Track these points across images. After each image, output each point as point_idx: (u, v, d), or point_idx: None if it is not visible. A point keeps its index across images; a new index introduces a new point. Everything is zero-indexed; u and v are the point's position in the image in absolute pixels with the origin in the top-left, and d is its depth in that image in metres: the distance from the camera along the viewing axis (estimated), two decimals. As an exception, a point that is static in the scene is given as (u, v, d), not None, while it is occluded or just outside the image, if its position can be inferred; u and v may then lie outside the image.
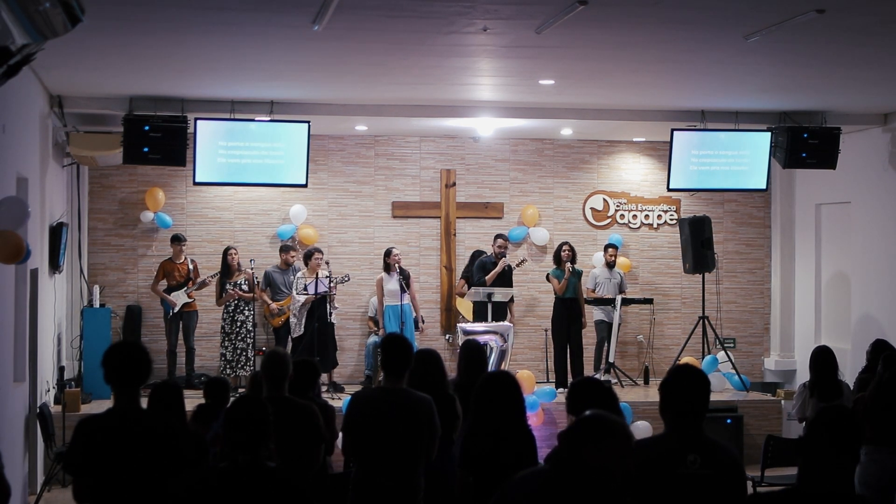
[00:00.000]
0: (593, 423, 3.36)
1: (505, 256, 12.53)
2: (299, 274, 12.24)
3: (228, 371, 12.09)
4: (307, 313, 11.99)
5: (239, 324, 12.17)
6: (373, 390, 6.07)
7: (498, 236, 12.73)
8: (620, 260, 13.52)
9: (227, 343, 12.18)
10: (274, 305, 12.36)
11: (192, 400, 7.63)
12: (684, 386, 4.08)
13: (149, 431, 4.63)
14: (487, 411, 5.41)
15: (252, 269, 12.36)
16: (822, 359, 8.11)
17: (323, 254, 12.36)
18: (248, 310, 12.26)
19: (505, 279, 12.47)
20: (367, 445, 5.63)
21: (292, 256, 12.52)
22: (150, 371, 4.83)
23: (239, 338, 12.16)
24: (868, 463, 6.80)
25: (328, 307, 12.05)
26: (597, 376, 12.22)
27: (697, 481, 3.93)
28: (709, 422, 12.35)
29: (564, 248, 12.56)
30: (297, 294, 12.11)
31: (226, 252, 12.33)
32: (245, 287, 12.25)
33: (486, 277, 12.34)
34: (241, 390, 11.89)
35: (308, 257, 12.24)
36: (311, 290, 11.94)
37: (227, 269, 12.24)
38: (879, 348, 8.40)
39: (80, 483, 4.66)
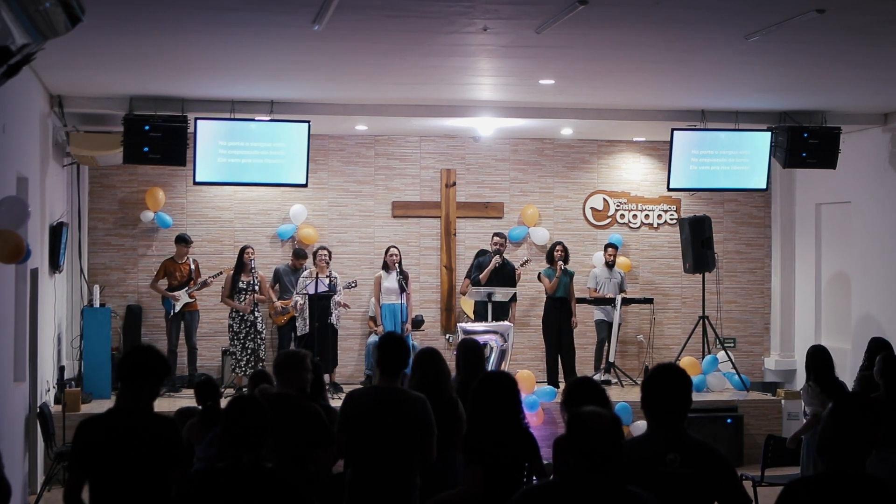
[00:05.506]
0: (582, 415, 3.56)
1: (501, 254, 12.49)
2: (305, 273, 12.29)
3: (238, 370, 12.08)
4: (319, 314, 12.06)
5: (249, 324, 12.18)
6: (367, 389, 6.05)
7: (494, 234, 12.73)
8: (621, 260, 13.52)
9: (235, 342, 12.17)
10: (279, 304, 12.39)
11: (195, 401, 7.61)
12: (666, 385, 4.09)
13: (148, 432, 4.64)
14: (484, 411, 5.40)
15: (253, 269, 12.39)
16: (819, 357, 8.14)
17: (328, 252, 12.39)
18: (258, 310, 12.29)
19: (506, 278, 12.45)
20: (361, 444, 5.62)
21: (301, 263, 12.57)
22: (163, 378, 4.82)
23: (249, 337, 12.16)
24: (877, 463, 6.80)
25: (331, 308, 12.11)
26: (597, 376, 12.29)
27: (677, 480, 3.94)
28: (709, 422, 12.40)
29: (557, 248, 12.55)
30: (297, 294, 12.18)
31: (243, 250, 12.34)
32: (257, 288, 12.28)
33: (480, 276, 12.34)
34: (244, 390, 11.94)
35: (314, 256, 12.37)
36: (311, 290, 11.99)
37: (242, 267, 12.25)
38: (878, 346, 8.42)
39: (72, 482, 4.67)
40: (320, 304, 12.00)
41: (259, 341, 12.18)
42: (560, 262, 12.42)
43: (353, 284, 12.41)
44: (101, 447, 4.60)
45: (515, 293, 12.50)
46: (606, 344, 12.99)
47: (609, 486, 3.50)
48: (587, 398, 4.79)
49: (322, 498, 5.64)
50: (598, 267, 13.36)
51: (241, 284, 12.18)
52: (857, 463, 3.56)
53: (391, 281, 12.33)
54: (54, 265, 10.69)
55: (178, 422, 6.86)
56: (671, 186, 11.99)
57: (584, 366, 12.95)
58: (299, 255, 12.67)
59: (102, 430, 4.65)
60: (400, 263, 12.44)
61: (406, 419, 5.60)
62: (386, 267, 12.44)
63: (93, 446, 4.61)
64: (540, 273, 12.71)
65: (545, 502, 3.55)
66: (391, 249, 12.50)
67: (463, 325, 11.72)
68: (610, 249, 13.22)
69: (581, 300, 12.91)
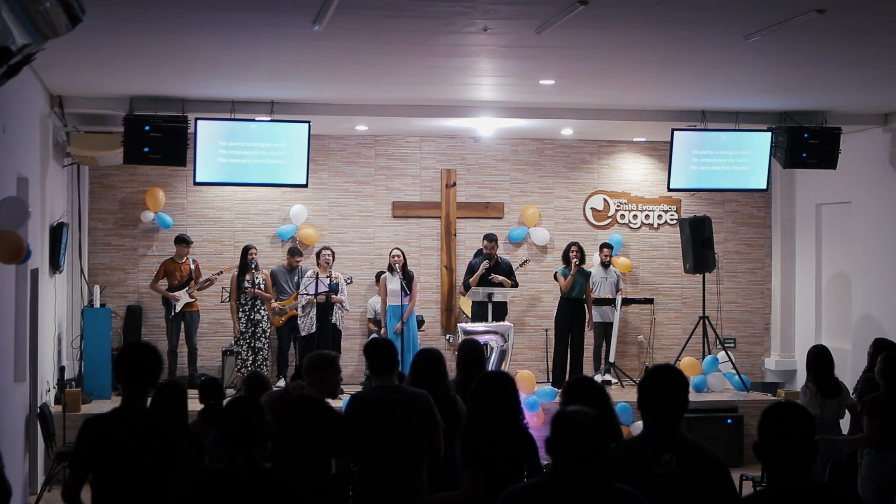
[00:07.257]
0: (566, 414, 3.59)
1: (492, 257, 12.42)
2: (309, 272, 12.31)
3: (244, 371, 12.09)
4: (318, 313, 12.06)
5: (255, 324, 12.19)
6: (371, 389, 6.07)
7: (484, 237, 12.62)
8: (621, 260, 13.53)
9: (241, 342, 12.19)
10: (276, 304, 12.40)
11: (196, 400, 7.61)
12: (662, 386, 4.06)
13: (151, 431, 4.64)
14: (483, 411, 5.40)
15: (255, 268, 12.40)
16: (820, 358, 8.13)
17: (331, 252, 12.42)
18: (264, 310, 12.31)
19: (503, 275, 12.40)
20: (369, 443, 5.63)
21: (297, 261, 12.58)
22: (160, 373, 4.88)
23: (255, 337, 12.18)
24: (875, 462, 6.81)
25: (333, 308, 12.20)
26: (597, 377, 12.29)
27: (673, 482, 3.91)
28: (709, 422, 12.38)
29: (573, 248, 12.54)
30: (301, 295, 12.27)
31: (246, 250, 12.36)
32: (262, 287, 12.29)
33: (470, 280, 12.31)
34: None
35: (317, 256, 12.45)
36: (311, 290, 12.03)
37: (245, 267, 12.26)
38: (881, 347, 8.41)
39: (72, 480, 4.67)
40: (321, 304, 12.04)
41: (264, 340, 12.23)
42: (575, 261, 12.43)
43: (334, 287, 12.36)
44: (105, 446, 4.61)
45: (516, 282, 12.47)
46: (604, 346, 12.98)
47: (595, 484, 3.50)
48: (587, 397, 4.79)
49: (324, 498, 5.63)
50: (595, 267, 13.36)
51: (245, 284, 12.21)
52: (799, 474, 3.44)
53: (395, 282, 12.33)
54: (54, 265, 10.69)
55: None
56: (671, 187, 11.99)
57: (585, 367, 12.93)
58: (294, 252, 12.67)
59: (106, 429, 4.66)
60: (404, 265, 12.40)
61: (412, 415, 5.65)
62: (390, 268, 12.43)
63: (96, 445, 4.63)
64: (556, 272, 12.73)
65: (532, 501, 3.54)
66: (393, 251, 12.48)
67: (463, 325, 11.72)
68: (606, 250, 13.22)
69: (581, 301, 12.93)
